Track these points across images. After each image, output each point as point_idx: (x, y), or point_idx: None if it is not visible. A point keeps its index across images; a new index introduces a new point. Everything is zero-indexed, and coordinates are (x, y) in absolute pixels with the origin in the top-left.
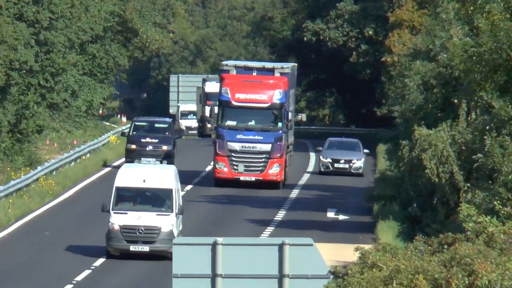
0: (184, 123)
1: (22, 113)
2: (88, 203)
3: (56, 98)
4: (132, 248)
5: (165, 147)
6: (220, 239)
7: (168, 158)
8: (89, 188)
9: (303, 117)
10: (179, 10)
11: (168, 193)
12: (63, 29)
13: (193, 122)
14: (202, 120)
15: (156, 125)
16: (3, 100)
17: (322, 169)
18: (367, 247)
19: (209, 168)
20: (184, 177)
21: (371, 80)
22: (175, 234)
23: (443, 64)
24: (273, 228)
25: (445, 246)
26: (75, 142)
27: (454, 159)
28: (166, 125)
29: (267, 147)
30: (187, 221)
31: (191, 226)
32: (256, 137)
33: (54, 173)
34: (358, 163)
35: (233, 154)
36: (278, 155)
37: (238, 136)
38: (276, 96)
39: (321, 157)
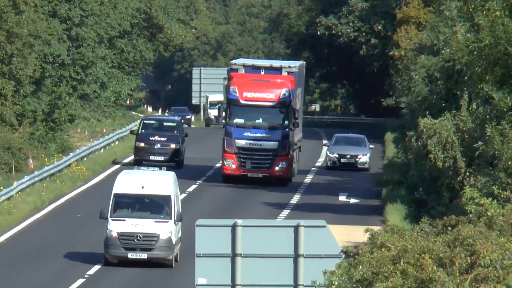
0: (212, 112)
1: (55, 103)
2: None
3: (86, 89)
4: (130, 255)
5: (173, 145)
6: (239, 221)
7: (176, 156)
8: (117, 173)
9: (316, 107)
10: (201, 8)
11: (166, 199)
12: (93, 25)
13: None
14: None
15: (165, 123)
16: (38, 91)
17: (329, 164)
18: (376, 228)
19: None
20: (207, 161)
21: (380, 73)
22: (174, 242)
23: (447, 58)
24: (288, 211)
25: (449, 228)
26: (104, 130)
27: (457, 146)
28: (174, 124)
29: (274, 144)
30: (208, 202)
31: (211, 207)
32: (263, 134)
33: (85, 159)
34: (364, 158)
35: (240, 151)
36: (285, 152)
37: (246, 134)
38: (283, 94)
39: (328, 152)
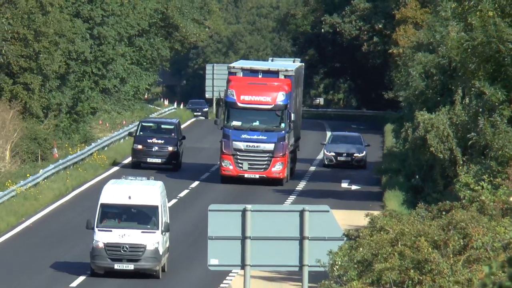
0: None
1: (78, 97)
2: (137, 174)
3: (107, 84)
4: (117, 266)
5: (170, 148)
6: (249, 206)
7: (173, 158)
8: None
9: (320, 101)
10: (214, 8)
11: (154, 210)
12: (114, 24)
13: None
14: None
15: (163, 126)
16: (62, 86)
17: (326, 162)
18: (376, 213)
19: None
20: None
21: (380, 69)
22: (161, 252)
23: (442, 56)
24: (294, 196)
25: (443, 213)
26: (124, 122)
27: (453, 138)
28: (172, 127)
29: (270, 146)
30: (222, 188)
31: (226, 193)
32: (260, 137)
33: (105, 149)
34: (360, 156)
35: (238, 152)
36: (281, 154)
37: (243, 136)
38: (279, 98)
39: (325, 150)
